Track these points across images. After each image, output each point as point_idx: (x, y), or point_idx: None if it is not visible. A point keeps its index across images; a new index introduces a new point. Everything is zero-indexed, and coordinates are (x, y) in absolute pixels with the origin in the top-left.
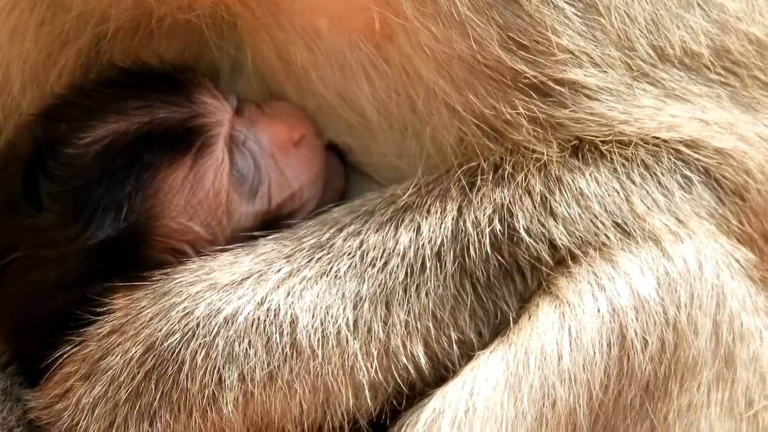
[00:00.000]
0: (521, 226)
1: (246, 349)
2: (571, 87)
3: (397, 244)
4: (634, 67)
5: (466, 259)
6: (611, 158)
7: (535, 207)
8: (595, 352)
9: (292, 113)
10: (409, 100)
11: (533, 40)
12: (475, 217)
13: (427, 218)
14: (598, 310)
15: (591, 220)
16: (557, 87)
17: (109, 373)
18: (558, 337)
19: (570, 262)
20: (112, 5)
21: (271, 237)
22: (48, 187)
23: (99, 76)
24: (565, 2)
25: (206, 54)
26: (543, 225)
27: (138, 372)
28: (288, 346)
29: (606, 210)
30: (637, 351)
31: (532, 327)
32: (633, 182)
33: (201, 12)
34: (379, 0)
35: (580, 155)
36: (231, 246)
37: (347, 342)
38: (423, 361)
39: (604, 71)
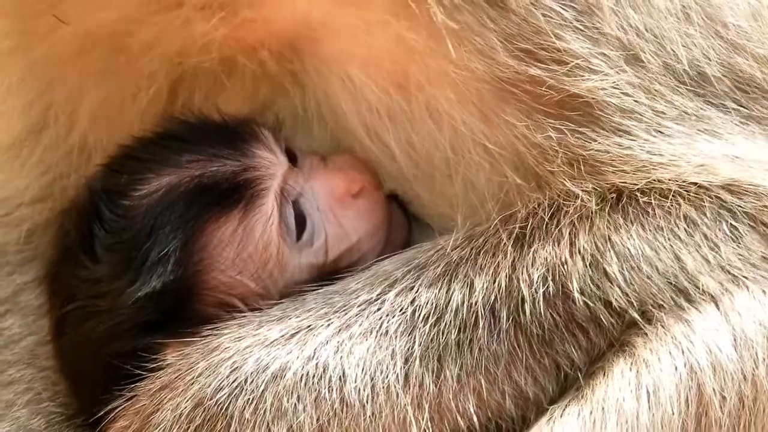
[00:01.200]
0: (575, 288)
1: (295, 404)
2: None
3: (450, 300)
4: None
5: (521, 315)
6: (654, 213)
7: (587, 267)
8: (672, 410)
9: (352, 165)
10: (438, 143)
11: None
12: (528, 276)
13: (480, 275)
14: (676, 368)
15: (645, 282)
16: (575, 101)
17: (159, 427)
18: (635, 394)
19: (643, 323)
20: (181, 56)
21: (320, 291)
22: (103, 238)
23: (162, 127)
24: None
25: (274, 104)
26: (597, 287)
27: (188, 427)
28: (337, 402)
29: (658, 272)
30: (715, 408)
31: (608, 384)
32: (679, 239)
33: (267, 64)
34: (398, 41)
35: (621, 209)
36: (280, 300)
37: (398, 397)
38: (475, 415)
39: (630, 106)
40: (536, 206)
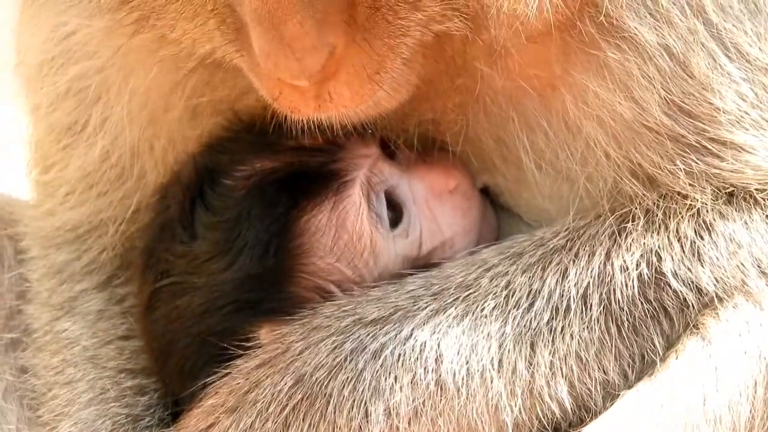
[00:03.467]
0: (669, 271)
1: (392, 384)
2: (730, 146)
3: (543, 285)
4: None
5: (612, 302)
6: (765, 205)
7: (684, 252)
8: (740, 393)
9: (451, 162)
10: (567, 150)
11: (698, 104)
12: (623, 261)
13: (574, 261)
14: (745, 352)
15: (738, 266)
16: (716, 146)
17: (257, 405)
18: (704, 377)
19: (718, 304)
20: None
21: (419, 275)
22: (203, 216)
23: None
24: (733, 66)
25: None
26: (690, 270)
27: (286, 405)
28: (433, 383)
29: (754, 257)
30: None
31: (679, 367)
32: None
33: None
34: (549, 63)
35: (734, 202)
36: (379, 284)
37: (492, 381)
38: (567, 401)
39: (763, 130)
40: (651, 204)
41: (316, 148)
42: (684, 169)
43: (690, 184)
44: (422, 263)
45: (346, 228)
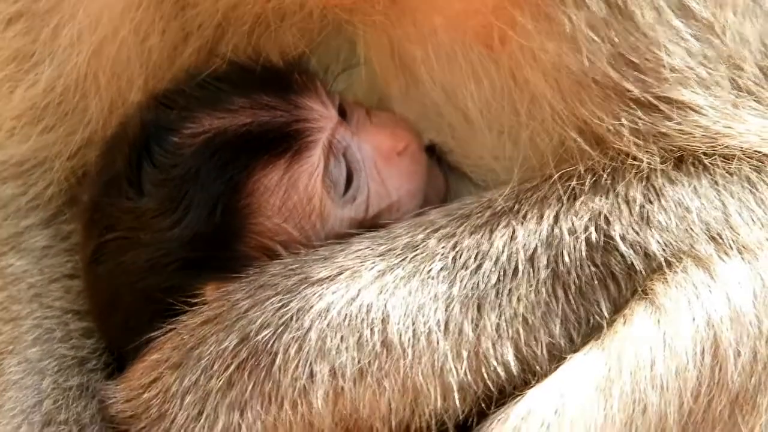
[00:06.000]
0: (617, 235)
1: (338, 344)
2: (676, 104)
3: (491, 247)
4: (741, 86)
5: (560, 265)
6: (713, 171)
7: (632, 216)
8: (688, 360)
9: (398, 123)
10: (513, 103)
11: (644, 58)
12: (572, 224)
13: (523, 223)
14: (693, 319)
15: (687, 230)
16: (662, 104)
17: (201, 362)
18: (652, 342)
19: (666, 270)
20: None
21: (366, 235)
22: (150, 173)
23: (215, 69)
24: (680, 21)
25: (319, 50)
26: (638, 234)
27: (231, 362)
28: (379, 344)
29: (703, 221)
30: (729, 361)
31: (626, 332)
32: (732, 195)
33: (315, 10)
34: (496, 10)
35: (683, 167)
36: (325, 243)
37: (438, 342)
38: (513, 364)
39: (710, 90)
40: (597, 165)
41: (272, 107)
42: (629, 126)
43: (636, 144)
44: (368, 225)
45: (297, 189)
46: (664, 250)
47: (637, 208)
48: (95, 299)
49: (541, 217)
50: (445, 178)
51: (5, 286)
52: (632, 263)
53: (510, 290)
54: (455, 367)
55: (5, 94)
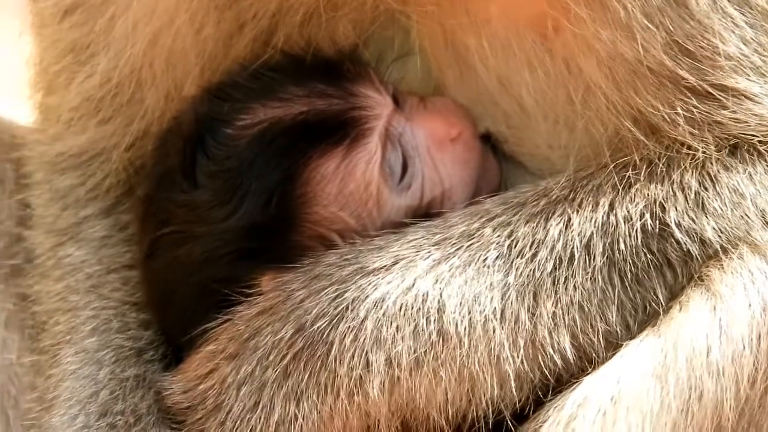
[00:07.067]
0: (672, 222)
1: (393, 333)
2: (731, 92)
3: (546, 235)
4: None
5: (616, 252)
6: None
7: (688, 203)
8: (744, 346)
9: (452, 110)
10: (567, 93)
11: (699, 46)
12: (627, 212)
13: (578, 211)
14: (750, 305)
15: (742, 217)
16: (718, 92)
17: (257, 353)
18: (708, 329)
19: (722, 256)
20: None
21: (421, 224)
22: (204, 165)
23: (268, 60)
24: (735, 9)
25: (373, 40)
26: (694, 221)
27: (287, 353)
28: (435, 333)
29: (758, 208)
30: None
31: (683, 318)
32: None
33: (368, 0)
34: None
35: (737, 154)
36: (380, 233)
37: (494, 331)
38: (569, 351)
39: (766, 78)
40: (653, 154)
41: (327, 95)
42: (684, 115)
43: (691, 133)
44: (422, 214)
45: (355, 177)
46: (719, 236)
47: (693, 195)
48: (151, 293)
49: (597, 204)
50: (499, 167)
51: (63, 276)
52: (688, 250)
53: (566, 278)
54: (512, 356)
55: (62, 86)
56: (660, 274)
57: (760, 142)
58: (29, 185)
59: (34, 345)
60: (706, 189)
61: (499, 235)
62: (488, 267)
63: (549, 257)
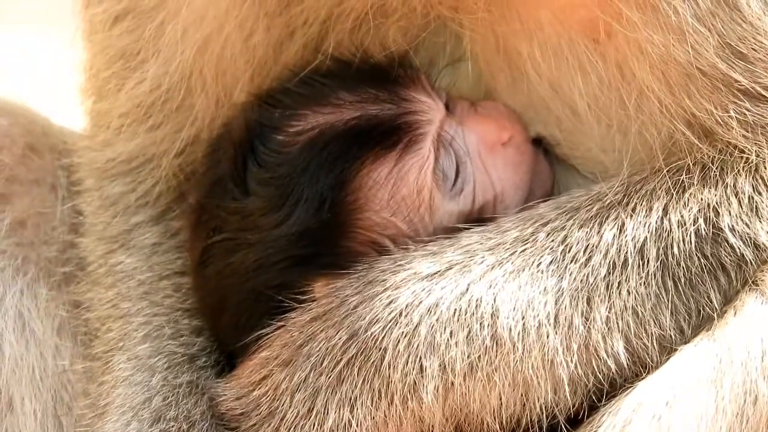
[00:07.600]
0: (726, 226)
1: (447, 339)
2: None
3: (600, 240)
4: None
5: (669, 257)
6: None
7: (741, 207)
8: None
9: (503, 113)
10: (621, 97)
11: (751, 48)
12: (681, 216)
13: (632, 216)
14: None
15: None
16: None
17: (311, 359)
18: (763, 333)
19: None
20: None
21: (474, 230)
22: (256, 172)
23: (320, 66)
24: None
25: (424, 46)
26: (748, 225)
27: (341, 359)
28: (489, 338)
29: None
30: None
31: (737, 322)
32: None
33: (419, 7)
34: (601, 3)
35: None
36: (433, 238)
37: (548, 336)
38: (623, 356)
39: None
40: (704, 157)
41: (380, 100)
42: (737, 118)
43: (744, 136)
44: (474, 218)
45: (407, 182)
46: None
47: (746, 200)
48: (204, 300)
49: (650, 209)
50: (551, 170)
51: (115, 283)
52: (742, 254)
53: (620, 283)
54: (566, 361)
55: (112, 92)
56: (714, 279)
57: None
58: (80, 192)
59: (86, 352)
60: (759, 193)
61: (552, 240)
62: (542, 272)
63: (603, 262)
